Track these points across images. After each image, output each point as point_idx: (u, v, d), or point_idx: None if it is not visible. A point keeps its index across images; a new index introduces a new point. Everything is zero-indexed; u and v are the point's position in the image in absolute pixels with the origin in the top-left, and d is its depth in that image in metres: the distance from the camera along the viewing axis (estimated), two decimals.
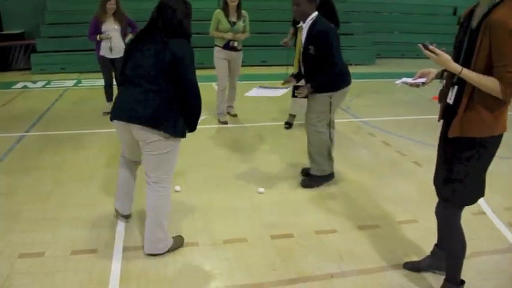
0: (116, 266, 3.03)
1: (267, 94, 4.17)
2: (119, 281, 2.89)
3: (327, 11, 5.73)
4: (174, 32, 2.92)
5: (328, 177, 4.33)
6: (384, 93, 8.62)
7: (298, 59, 4.16)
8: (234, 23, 5.99)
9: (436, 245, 2.99)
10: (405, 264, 3.07)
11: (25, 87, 9.08)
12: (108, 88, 6.84)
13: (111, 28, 6.40)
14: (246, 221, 3.67)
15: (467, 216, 2.62)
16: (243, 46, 6.42)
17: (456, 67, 2.33)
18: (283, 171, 4.73)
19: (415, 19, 14.61)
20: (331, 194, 4.21)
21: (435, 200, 2.78)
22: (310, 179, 4.31)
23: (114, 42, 6.41)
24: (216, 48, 6.19)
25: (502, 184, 4.25)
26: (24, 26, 11.59)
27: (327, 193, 4.22)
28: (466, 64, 2.33)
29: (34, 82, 9.50)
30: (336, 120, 4.50)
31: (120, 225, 3.55)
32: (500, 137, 2.44)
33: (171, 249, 3.20)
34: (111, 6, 6.30)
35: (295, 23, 6.04)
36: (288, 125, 6.31)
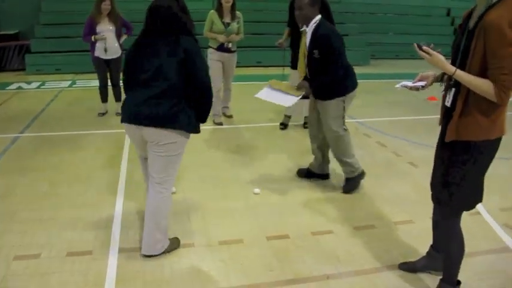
0: (112, 267, 3.02)
1: (276, 100, 4.03)
2: (115, 283, 2.88)
3: (322, 12, 5.76)
4: (178, 29, 2.93)
5: (362, 175, 4.29)
6: (379, 94, 8.64)
7: (304, 63, 4.14)
8: (228, 24, 5.99)
9: (431, 246, 2.99)
10: (401, 264, 3.08)
11: (20, 88, 9.05)
12: (103, 89, 6.83)
13: (106, 29, 6.39)
14: (242, 222, 3.67)
15: (463, 216, 2.62)
16: (238, 47, 6.42)
17: (450, 68, 2.32)
18: (279, 171, 4.73)
19: (409, 20, 14.67)
20: (327, 194, 4.22)
21: (430, 200, 2.80)
22: (349, 182, 4.27)
23: (108, 43, 6.40)
24: (210, 50, 6.19)
25: (499, 185, 4.27)
26: (18, 27, 11.55)
27: (323, 194, 4.23)
28: (462, 66, 2.32)
29: (29, 83, 9.47)
30: None
31: (116, 227, 3.54)
32: (497, 141, 2.41)
33: (167, 251, 3.20)
34: (106, 7, 6.29)
35: (290, 23, 6.05)
36: (283, 125, 6.32)
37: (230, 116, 6.76)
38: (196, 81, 2.94)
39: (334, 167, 4.54)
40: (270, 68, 10.63)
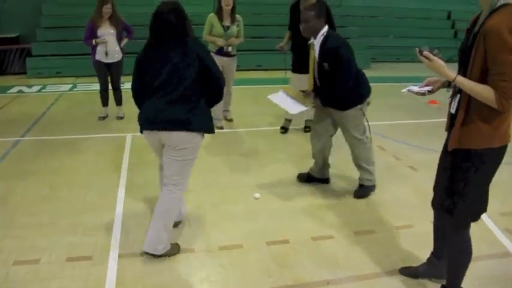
0: (112, 272, 3.02)
1: (286, 107, 4.05)
2: None
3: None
4: (183, 33, 3.03)
5: (374, 187, 4.32)
6: (379, 97, 8.58)
7: (314, 75, 4.13)
8: (228, 27, 5.99)
9: (432, 253, 2.97)
10: (401, 269, 3.07)
11: (20, 91, 9.05)
12: (103, 92, 6.83)
13: (107, 32, 6.39)
14: (242, 227, 3.67)
15: None
16: (238, 50, 6.42)
17: (450, 74, 2.30)
18: (279, 176, 4.73)
19: (409, 23, 14.67)
20: (327, 199, 4.21)
21: (431, 205, 2.79)
22: (362, 189, 4.28)
23: (109, 46, 6.41)
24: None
25: (499, 190, 4.22)
26: (19, 30, 11.56)
27: (323, 199, 4.22)
28: (466, 70, 2.30)
29: (29, 86, 9.48)
30: None
31: (116, 232, 3.54)
32: (501, 149, 2.37)
33: (167, 254, 3.20)
34: (107, 10, 6.29)
35: (291, 27, 6.07)
36: (284, 129, 6.31)
37: (231, 120, 6.76)
38: (212, 81, 3.10)
39: (334, 171, 4.54)
40: (270, 71, 10.64)
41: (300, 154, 5.34)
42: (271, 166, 5.01)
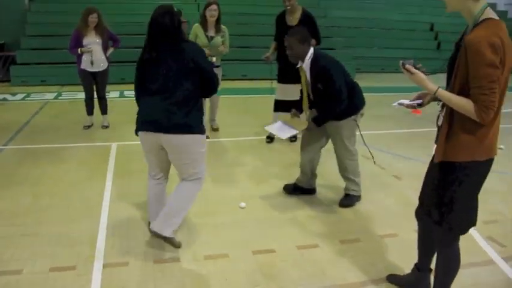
0: (96, 283, 2.98)
1: (277, 132, 4.12)
2: None
3: (309, 27, 5.83)
4: (178, 39, 3.13)
5: (360, 197, 4.36)
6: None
7: (308, 96, 4.15)
8: (212, 38, 5.99)
9: (415, 264, 2.94)
10: (388, 276, 3.08)
11: (4, 99, 8.97)
12: (89, 101, 6.80)
13: (93, 41, 6.37)
14: (227, 236, 3.66)
15: None
16: (223, 60, 6.44)
17: (431, 87, 2.33)
18: (265, 185, 4.73)
19: (394, 35, 14.87)
20: (312, 208, 4.23)
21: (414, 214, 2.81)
22: (348, 198, 4.29)
23: (95, 55, 6.39)
24: None
25: (482, 198, 4.29)
26: (4, 38, 11.48)
27: (308, 208, 4.24)
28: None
29: (13, 94, 9.39)
30: None
31: (100, 242, 3.50)
32: (486, 162, 2.37)
33: (171, 241, 3.42)
34: (92, 19, 6.28)
35: (276, 37, 6.11)
36: (270, 139, 6.33)
37: (216, 129, 6.77)
38: (207, 83, 3.25)
39: (320, 181, 4.55)
40: (256, 81, 10.69)
41: (285, 163, 5.35)
42: (257, 176, 5.01)
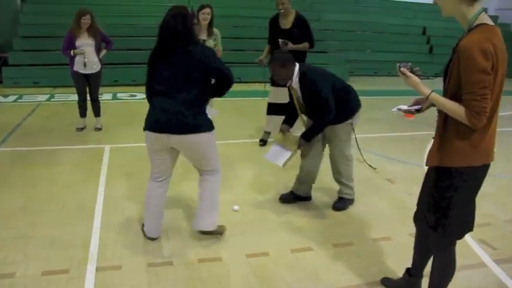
0: (89, 286, 2.97)
1: (276, 162, 4.13)
2: None
3: (302, 30, 5.86)
4: (190, 42, 3.18)
5: (353, 200, 4.37)
6: None
7: (301, 109, 4.17)
8: (204, 41, 5.99)
9: (407, 269, 2.94)
10: (383, 279, 3.09)
11: None
12: (82, 103, 6.77)
13: (86, 43, 6.36)
14: (221, 240, 3.66)
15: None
16: None
17: (425, 91, 2.34)
18: (258, 188, 4.74)
19: (386, 38, 14.98)
20: (306, 211, 4.24)
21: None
22: (342, 201, 4.30)
23: (88, 57, 6.37)
24: None
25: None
26: None
27: (302, 211, 4.25)
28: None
29: (5, 96, 9.33)
30: None
31: (94, 245, 3.49)
32: (482, 167, 2.37)
33: (216, 232, 3.62)
34: (85, 21, 6.26)
35: (270, 41, 6.13)
36: (263, 142, 6.34)
37: None
38: (223, 80, 3.35)
39: (313, 185, 4.55)
40: (249, 84, 10.69)
41: (279, 167, 5.35)
42: (250, 179, 5.02)
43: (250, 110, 8.01)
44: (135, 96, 9.77)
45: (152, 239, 3.58)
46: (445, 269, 2.62)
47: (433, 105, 2.52)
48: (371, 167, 4.39)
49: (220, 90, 3.40)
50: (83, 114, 6.83)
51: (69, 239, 3.56)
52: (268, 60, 4.03)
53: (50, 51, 10.35)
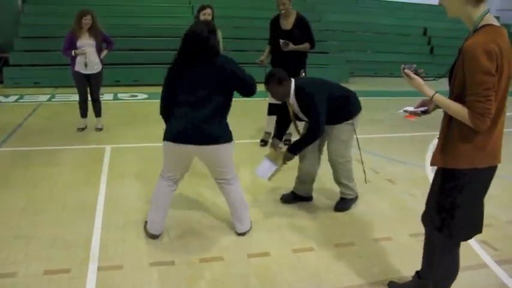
0: (91, 286, 2.97)
1: (263, 176, 4.15)
2: None
3: (303, 31, 5.86)
4: (210, 53, 3.28)
5: (356, 198, 4.35)
6: None
7: (296, 125, 4.24)
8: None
9: (417, 272, 2.92)
10: (389, 283, 3.05)
11: None
12: (82, 103, 6.77)
13: (87, 43, 6.36)
14: (222, 240, 3.66)
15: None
16: None
17: (428, 92, 2.32)
18: (259, 189, 4.74)
19: (387, 39, 14.96)
20: (307, 212, 4.24)
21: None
22: (343, 202, 4.29)
23: (89, 57, 6.37)
24: None
25: None
26: None
27: (303, 211, 4.25)
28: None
29: (6, 96, 9.33)
30: None
31: (95, 245, 3.49)
32: (488, 170, 2.35)
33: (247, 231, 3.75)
34: (86, 21, 6.27)
35: (271, 41, 6.14)
36: (264, 142, 6.34)
37: None
38: (247, 89, 3.43)
39: (314, 185, 4.55)
40: None
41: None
42: (251, 179, 5.01)
43: (251, 111, 7.99)
44: (136, 96, 9.77)
45: (154, 237, 3.60)
46: (448, 272, 2.61)
47: (439, 106, 2.49)
48: (364, 172, 4.39)
49: (243, 96, 3.51)
50: (83, 114, 6.83)
51: (70, 239, 3.56)
52: (264, 81, 4.04)
53: (50, 51, 10.35)
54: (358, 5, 15.68)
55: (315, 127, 3.89)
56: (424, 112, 2.65)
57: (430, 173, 5.38)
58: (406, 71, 2.38)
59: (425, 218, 2.71)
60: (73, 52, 6.28)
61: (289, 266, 3.30)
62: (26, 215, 3.97)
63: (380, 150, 6.25)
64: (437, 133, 2.48)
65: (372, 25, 15.01)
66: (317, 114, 3.86)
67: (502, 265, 3.42)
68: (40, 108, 8.40)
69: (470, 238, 2.56)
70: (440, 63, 11.92)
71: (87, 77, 6.52)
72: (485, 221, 4.07)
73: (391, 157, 5.99)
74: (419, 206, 4.29)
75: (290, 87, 3.95)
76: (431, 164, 2.47)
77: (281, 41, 5.71)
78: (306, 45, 5.86)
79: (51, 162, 5.38)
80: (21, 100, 9.09)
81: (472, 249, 3.64)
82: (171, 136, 3.30)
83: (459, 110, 2.22)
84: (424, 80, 2.40)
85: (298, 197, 4.41)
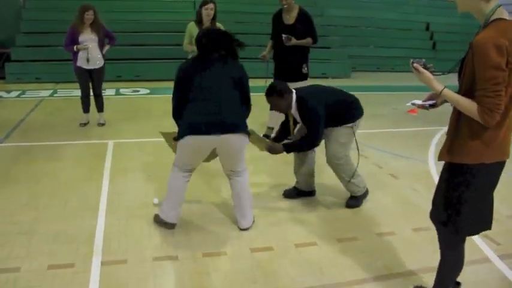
0: (95, 280, 2.98)
1: None
2: None
3: (306, 26, 5.85)
4: (227, 49, 3.50)
5: (366, 193, 4.33)
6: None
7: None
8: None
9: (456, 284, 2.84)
10: None
11: None
12: (85, 99, 6.78)
13: (89, 38, 6.36)
14: (226, 235, 3.66)
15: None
16: None
17: (437, 87, 2.29)
18: (262, 183, 4.74)
19: (389, 34, 14.94)
20: (310, 207, 4.24)
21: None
22: (353, 198, 4.28)
23: (91, 53, 6.38)
24: None
25: None
26: None
27: (306, 206, 4.25)
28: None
29: (8, 92, 9.35)
30: None
31: (98, 239, 3.50)
32: (496, 165, 2.33)
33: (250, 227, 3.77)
34: (88, 16, 6.26)
35: (273, 36, 6.12)
36: (266, 137, 6.33)
37: None
38: (246, 99, 3.63)
39: (316, 181, 4.54)
40: (252, 79, 10.67)
41: (282, 161, 5.35)
42: (254, 174, 5.00)
43: (254, 106, 7.94)
44: (138, 91, 9.78)
45: (172, 226, 3.66)
46: (453, 266, 2.60)
47: (447, 100, 2.45)
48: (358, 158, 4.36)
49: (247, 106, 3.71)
50: (86, 109, 6.84)
51: (73, 234, 3.57)
52: (265, 94, 4.06)
53: (52, 46, 10.36)
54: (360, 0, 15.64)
55: (314, 138, 3.94)
56: (432, 106, 2.62)
57: (433, 167, 5.38)
58: (415, 65, 2.35)
59: (433, 216, 2.67)
60: (75, 47, 6.28)
61: (292, 261, 3.31)
62: (29, 210, 3.97)
63: (383, 145, 6.24)
64: (439, 128, 2.48)
65: (374, 20, 14.97)
66: (317, 127, 3.90)
67: (505, 259, 3.42)
68: (42, 103, 8.40)
69: (477, 234, 2.55)
70: (442, 58, 11.88)
71: (89, 72, 6.52)
72: None
73: (393, 152, 5.98)
74: (422, 200, 4.33)
75: (292, 99, 3.96)
76: (439, 159, 2.45)
77: (283, 35, 5.70)
78: (308, 40, 5.85)
79: (54, 157, 5.38)
80: (23, 96, 9.10)
81: (474, 243, 3.63)
82: (193, 130, 3.30)
83: (468, 105, 2.20)
84: (434, 75, 2.38)
85: (300, 192, 4.41)
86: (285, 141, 4.24)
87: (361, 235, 3.74)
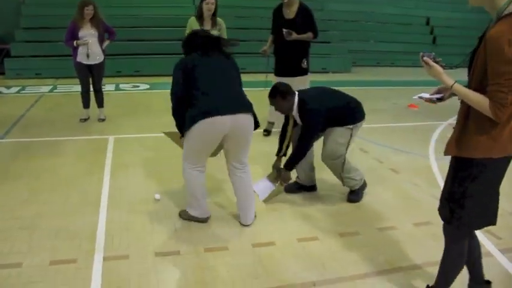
0: (97, 276, 2.98)
1: (260, 195, 4.17)
2: None
3: (306, 20, 5.83)
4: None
5: (364, 186, 4.34)
6: (360, 100, 8.72)
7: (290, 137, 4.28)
8: (208, 32, 5.93)
9: (470, 280, 2.82)
10: None
11: None
12: (85, 94, 6.77)
13: (89, 34, 6.34)
14: (227, 230, 3.66)
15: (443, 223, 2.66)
16: None
17: (448, 81, 2.27)
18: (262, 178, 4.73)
19: (390, 28, 14.91)
20: (312, 201, 4.24)
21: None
22: (353, 194, 4.28)
23: (91, 48, 6.36)
24: None
25: None
26: None
27: (307, 201, 4.25)
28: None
29: (8, 87, 9.33)
30: None
31: (100, 235, 3.50)
32: (503, 159, 2.30)
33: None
34: (88, 12, 6.25)
35: (274, 31, 6.11)
36: (267, 132, 6.34)
37: None
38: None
39: (317, 175, 4.55)
40: (253, 74, 10.66)
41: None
42: (255, 168, 5.00)
43: (254, 101, 7.87)
44: (138, 86, 9.76)
45: (205, 220, 3.73)
46: (456, 260, 2.59)
47: (454, 94, 2.43)
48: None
49: None
50: (86, 105, 6.83)
51: (75, 229, 3.57)
52: (268, 94, 4.06)
53: (52, 42, 10.34)
54: None
55: (307, 140, 3.98)
56: (440, 99, 2.60)
57: (433, 162, 5.39)
58: (425, 58, 2.33)
59: (439, 211, 2.63)
60: (75, 42, 6.27)
61: (294, 255, 3.31)
62: (30, 206, 3.97)
63: (383, 140, 6.24)
64: (439, 122, 2.47)
65: (374, 14, 14.94)
66: (311, 134, 3.96)
67: (506, 254, 3.42)
68: (42, 99, 8.39)
69: (480, 228, 2.53)
70: (443, 53, 11.69)
71: (89, 67, 6.51)
72: None
73: (394, 147, 5.98)
74: (423, 195, 4.34)
75: (294, 101, 3.98)
76: (446, 154, 2.43)
77: (284, 30, 5.68)
78: (309, 35, 5.83)
79: (54, 153, 5.38)
80: (23, 91, 9.09)
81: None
82: (206, 113, 3.25)
83: (479, 100, 2.17)
84: (444, 69, 2.35)
85: (301, 187, 4.41)
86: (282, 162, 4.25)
87: (362, 229, 3.74)
